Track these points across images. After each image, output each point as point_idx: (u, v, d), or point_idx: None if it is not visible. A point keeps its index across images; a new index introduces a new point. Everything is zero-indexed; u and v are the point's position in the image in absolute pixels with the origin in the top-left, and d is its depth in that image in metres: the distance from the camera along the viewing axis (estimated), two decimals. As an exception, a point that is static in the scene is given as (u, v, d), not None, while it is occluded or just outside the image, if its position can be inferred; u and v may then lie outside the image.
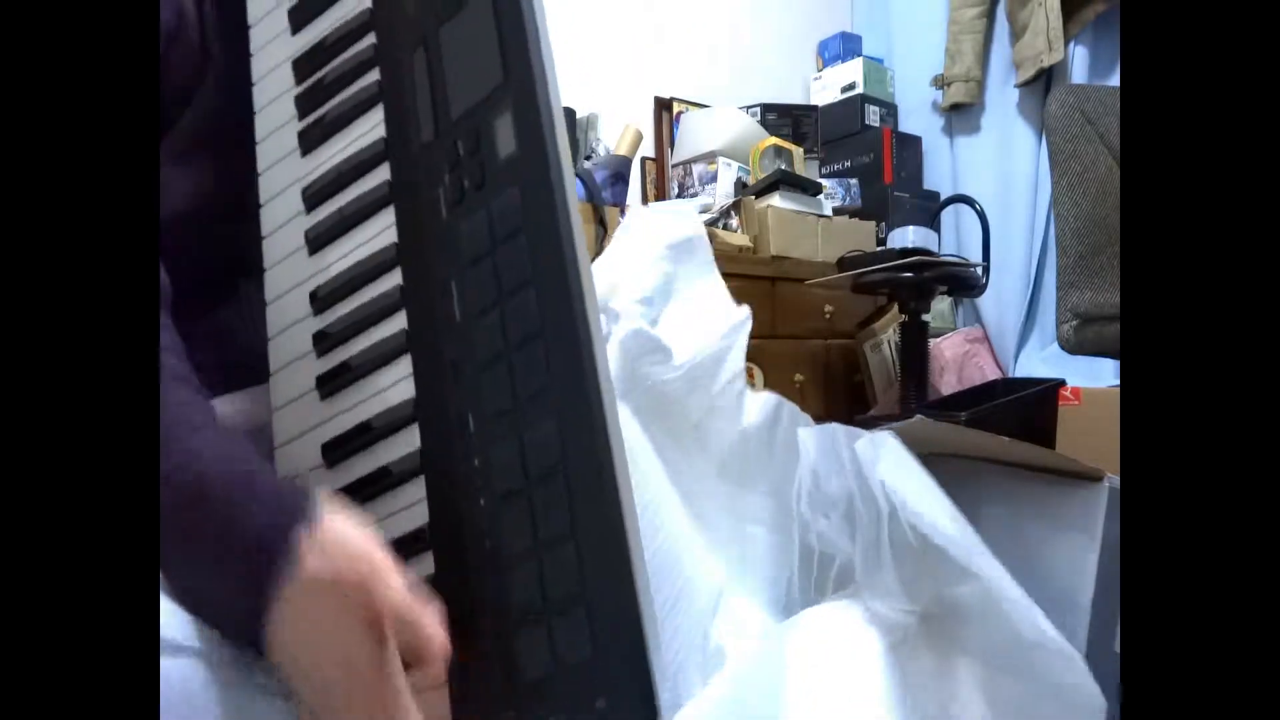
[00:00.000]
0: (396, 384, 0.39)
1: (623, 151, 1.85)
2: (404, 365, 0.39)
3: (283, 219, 0.45)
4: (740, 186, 2.03)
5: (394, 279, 0.40)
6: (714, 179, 2.03)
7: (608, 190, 1.68)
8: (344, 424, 0.41)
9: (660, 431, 0.60)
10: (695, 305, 0.65)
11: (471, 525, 0.35)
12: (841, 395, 2.04)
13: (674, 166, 2.15)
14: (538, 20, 0.37)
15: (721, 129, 2.10)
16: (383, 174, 0.42)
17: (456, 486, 0.36)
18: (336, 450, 0.41)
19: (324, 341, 0.42)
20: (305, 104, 0.45)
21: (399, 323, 0.40)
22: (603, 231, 1.55)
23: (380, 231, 0.42)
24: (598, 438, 0.32)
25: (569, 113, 1.85)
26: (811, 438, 0.59)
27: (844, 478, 0.55)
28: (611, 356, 0.58)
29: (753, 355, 1.83)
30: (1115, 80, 2.16)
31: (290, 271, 0.44)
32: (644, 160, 2.19)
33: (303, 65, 0.46)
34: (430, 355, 0.38)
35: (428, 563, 0.36)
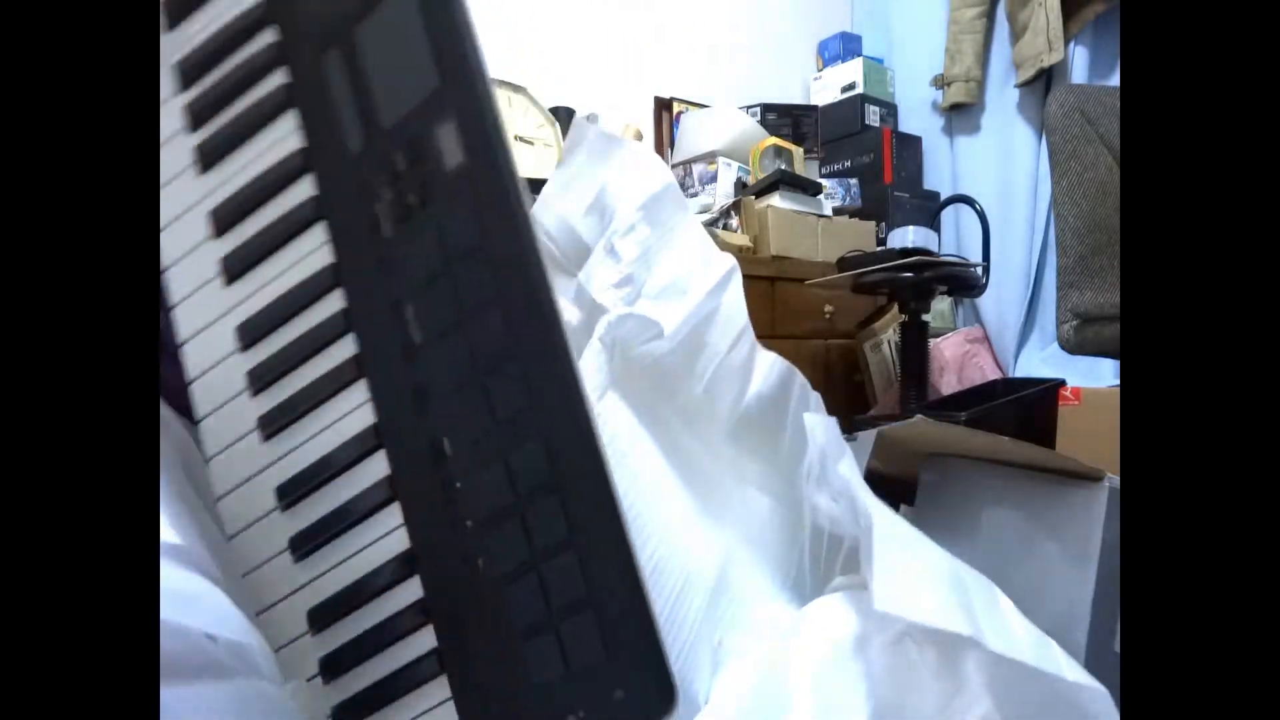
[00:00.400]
0: (353, 411, 0.37)
1: (623, 151, 1.85)
2: (359, 392, 0.37)
3: (187, 244, 0.40)
4: (740, 186, 2.03)
5: (335, 302, 0.38)
6: (714, 179, 2.03)
7: (608, 190, 1.67)
8: (298, 463, 0.38)
9: (663, 408, 0.58)
10: (678, 265, 0.62)
11: (459, 548, 0.34)
12: (841, 395, 2.04)
13: (674, 166, 2.15)
14: (469, 17, 0.34)
15: (721, 129, 2.10)
16: (306, 188, 0.38)
17: (437, 511, 0.35)
18: (293, 491, 0.38)
19: (260, 380, 0.39)
20: (198, 113, 0.40)
21: (348, 348, 0.37)
22: (603, 231, 1.55)
23: (312, 251, 0.38)
24: (588, 446, 0.32)
25: (569, 112, 1.85)
26: (820, 425, 0.58)
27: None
28: (596, 350, 0.56)
29: (753, 355, 1.83)
30: (1115, 80, 2.17)
31: (206, 304, 0.40)
32: (644, 160, 2.19)
33: (189, 67, 0.40)
34: (389, 380, 0.37)
35: (415, 587, 0.36)
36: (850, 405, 2.04)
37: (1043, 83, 2.24)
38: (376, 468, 0.37)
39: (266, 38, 0.39)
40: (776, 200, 1.93)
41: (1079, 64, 2.20)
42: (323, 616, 0.37)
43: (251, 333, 0.39)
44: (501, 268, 0.34)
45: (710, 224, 1.84)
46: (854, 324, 2.08)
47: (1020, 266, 2.29)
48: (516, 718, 0.32)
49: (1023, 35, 2.22)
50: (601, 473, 0.32)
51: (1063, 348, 1.43)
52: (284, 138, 0.39)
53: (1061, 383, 1.43)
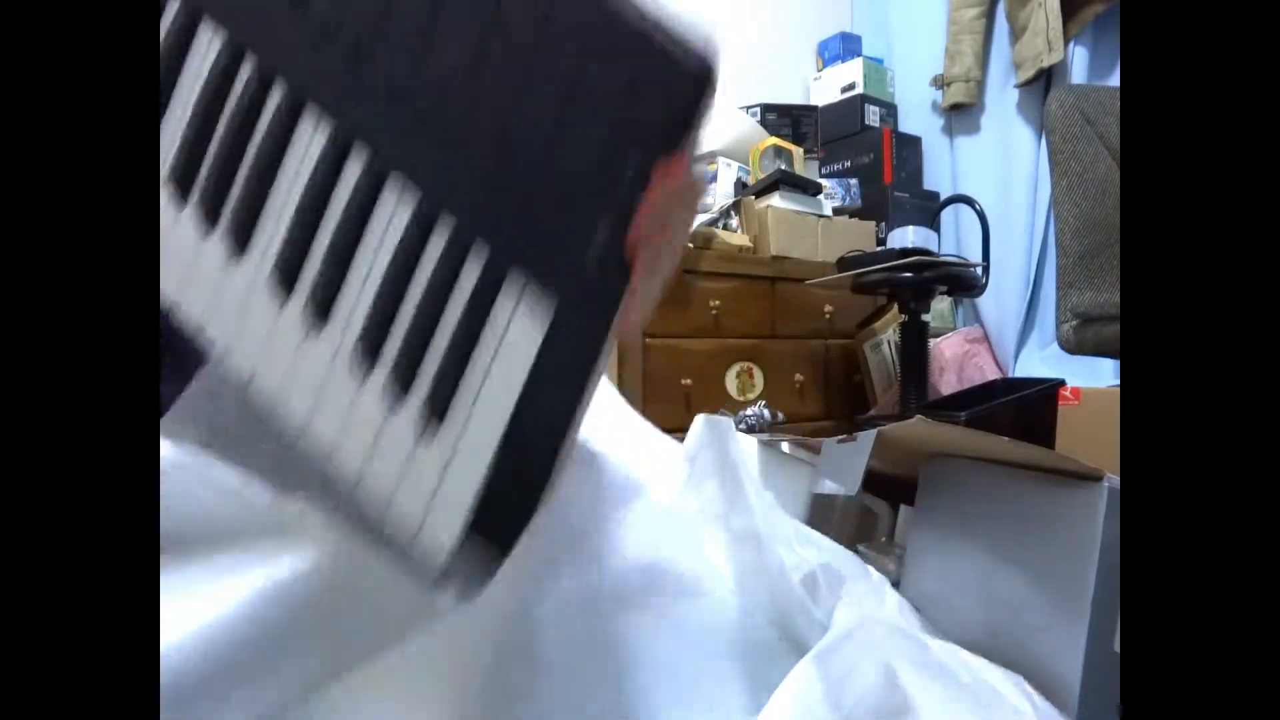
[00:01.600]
0: (313, 136, 0.36)
1: (623, 151, 1.85)
2: (307, 122, 0.36)
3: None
4: (740, 186, 2.03)
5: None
6: (714, 179, 2.03)
7: (608, 190, 1.68)
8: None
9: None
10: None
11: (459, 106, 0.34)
12: (841, 395, 2.04)
13: (674, 166, 2.15)
14: None
15: (721, 129, 2.10)
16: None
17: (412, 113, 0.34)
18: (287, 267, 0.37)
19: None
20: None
21: (278, 95, 0.36)
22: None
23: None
24: None
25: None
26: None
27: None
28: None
29: (752, 355, 1.84)
30: (1115, 80, 2.17)
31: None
32: (644, 160, 2.19)
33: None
34: (314, 72, 0.35)
35: (446, 227, 0.35)
36: (850, 405, 2.04)
37: (1042, 83, 2.24)
38: (352, 171, 0.35)
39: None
40: (776, 200, 1.93)
41: (1079, 64, 2.20)
42: (370, 345, 0.35)
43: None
44: None
45: (710, 224, 1.84)
46: (854, 324, 2.08)
47: (1020, 266, 2.29)
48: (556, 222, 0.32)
49: (1022, 35, 2.22)
50: None
51: (1063, 348, 1.43)
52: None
53: (1061, 383, 1.43)
